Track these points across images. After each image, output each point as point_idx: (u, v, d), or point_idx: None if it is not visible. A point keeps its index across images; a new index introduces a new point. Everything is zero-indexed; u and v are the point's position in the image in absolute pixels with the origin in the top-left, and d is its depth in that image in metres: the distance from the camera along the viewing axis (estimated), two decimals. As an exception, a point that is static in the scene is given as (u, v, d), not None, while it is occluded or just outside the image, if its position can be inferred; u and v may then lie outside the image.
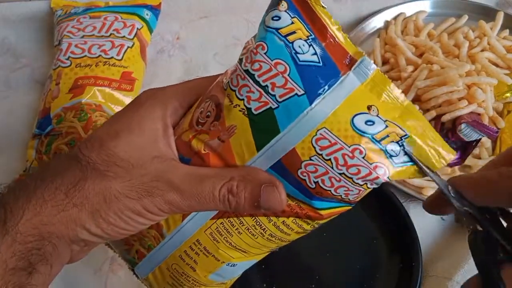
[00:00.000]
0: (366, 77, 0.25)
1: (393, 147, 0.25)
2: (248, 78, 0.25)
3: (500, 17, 0.64)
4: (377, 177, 0.25)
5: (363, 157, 0.25)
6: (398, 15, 0.68)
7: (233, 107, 0.26)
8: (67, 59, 0.59)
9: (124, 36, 0.61)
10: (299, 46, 0.25)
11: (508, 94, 0.57)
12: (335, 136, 0.25)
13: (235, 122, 0.26)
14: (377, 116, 0.25)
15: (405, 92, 0.57)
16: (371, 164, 0.25)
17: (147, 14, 0.66)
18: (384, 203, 0.52)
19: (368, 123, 0.25)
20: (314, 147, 0.25)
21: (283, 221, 0.29)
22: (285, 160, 0.26)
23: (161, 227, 0.31)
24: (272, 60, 0.25)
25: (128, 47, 0.60)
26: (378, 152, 0.25)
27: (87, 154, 0.27)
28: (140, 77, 0.60)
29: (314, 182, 0.26)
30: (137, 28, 0.63)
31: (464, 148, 0.55)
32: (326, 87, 0.25)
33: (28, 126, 0.58)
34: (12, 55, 0.66)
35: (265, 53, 0.25)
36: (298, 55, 0.24)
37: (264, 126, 0.26)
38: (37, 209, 0.26)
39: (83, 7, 0.66)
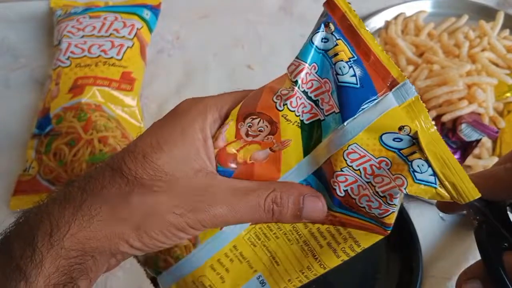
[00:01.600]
0: (404, 100, 0.26)
1: (419, 163, 0.26)
2: (305, 97, 0.28)
3: (500, 17, 0.64)
4: (395, 187, 0.27)
5: (388, 169, 0.26)
6: (398, 15, 0.68)
7: (291, 124, 0.28)
8: (67, 59, 0.59)
9: (124, 36, 0.61)
10: (340, 68, 0.27)
11: (508, 94, 0.57)
12: (364, 150, 0.27)
13: (290, 136, 0.28)
14: (407, 135, 0.26)
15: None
16: (393, 175, 0.26)
17: (147, 14, 0.65)
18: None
19: (396, 140, 0.26)
20: (345, 160, 0.27)
21: (318, 227, 0.30)
22: (324, 168, 0.28)
23: (197, 237, 0.31)
24: (322, 79, 0.27)
25: (128, 47, 0.60)
26: (402, 165, 0.26)
27: (132, 168, 0.27)
28: (140, 77, 0.60)
29: (344, 191, 0.28)
30: (137, 28, 0.63)
31: (464, 148, 0.55)
32: (360, 109, 0.26)
33: (27, 126, 0.58)
34: (11, 55, 0.66)
35: (316, 72, 0.27)
36: (338, 76, 0.27)
37: (312, 134, 0.28)
38: (83, 224, 0.26)
39: (83, 7, 0.66)
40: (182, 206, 0.27)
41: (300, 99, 0.28)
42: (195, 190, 0.27)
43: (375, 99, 0.26)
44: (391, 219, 0.28)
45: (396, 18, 0.67)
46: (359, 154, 0.27)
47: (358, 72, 0.27)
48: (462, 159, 0.55)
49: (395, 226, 0.53)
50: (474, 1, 0.69)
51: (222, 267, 0.32)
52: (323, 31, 0.27)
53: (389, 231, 0.29)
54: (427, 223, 0.53)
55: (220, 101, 0.30)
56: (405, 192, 0.26)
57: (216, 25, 0.70)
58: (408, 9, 0.68)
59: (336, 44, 0.27)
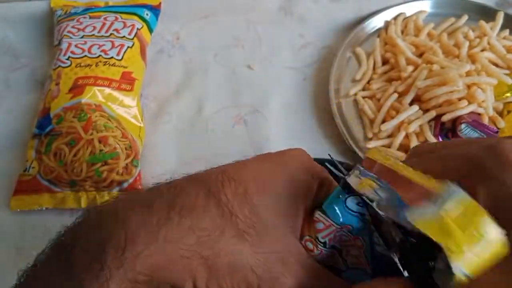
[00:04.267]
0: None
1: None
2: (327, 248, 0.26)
3: (500, 17, 0.64)
4: None
5: None
6: (398, 15, 0.68)
7: None
8: (67, 59, 0.59)
9: (124, 36, 0.61)
10: (376, 237, 0.25)
11: (508, 94, 0.57)
12: None
13: None
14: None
15: (405, 92, 0.57)
16: None
17: (147, 14, 0.65)
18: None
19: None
20: None
21: None
22: None
23: None
24: (353, 236, 0.26)
25: (128, 47, 0.60)
26: None
27: (230, 200, 0.24)
28: (140, 77, 0.60)
29: None
30: (137, 28, 0.63)
31: (464, 148, 0.55)
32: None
33: (28, 126, 0.58)
34: (12, 55, 0.66)
35: (347, 231, 0.26)
36: (375, 245, 0.25)
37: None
38: (161, 249, 0.22)
39: (83, 7, 0.66)
40: (262, 268, 0.23)
41: (325, 252, 0.26)
42: (282, 253, 0.24)
43: None
44: None
45: (396, 18, 0.67)
46: None
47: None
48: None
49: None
50: (474, 1, 0.69)
51: None
52: (356, 195, 0.25)
53: None
54: (427, 223, 0.53)
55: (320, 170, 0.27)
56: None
57: (216, 25, 0.70)
58: (408, 9, 0.68)
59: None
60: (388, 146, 0.55)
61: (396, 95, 0.58)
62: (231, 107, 0.62)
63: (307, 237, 0.26)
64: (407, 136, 0.55)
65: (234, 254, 0.23)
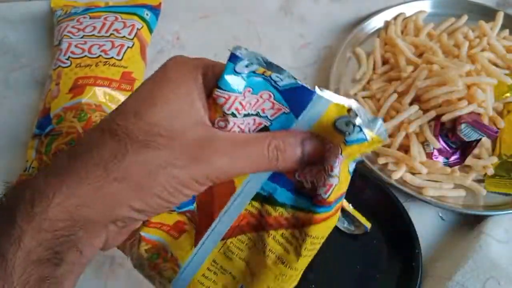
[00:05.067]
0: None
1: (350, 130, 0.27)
2: (244, 118, 0.28)
3: (500, 17, 0.64)
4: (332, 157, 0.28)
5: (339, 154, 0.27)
6: (398, 15, 0.68)
7: None
8: (67, 59, 0.59)
9: (124, 36, 0.61)
10: (277, 76, 0.27)
11: (508, 94, 0.57)
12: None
13: None
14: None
15: (405, 92, 0.57)
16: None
17: (147, 14, 0.66)
18: (384, 203, 0.52)
19: (348, 123, 0.27)
20: None
21: (282, 234, 0.30)
22: None
23: (176, 259, 0.32)
24: (257, 94, 0.28)
25: (128, 47, 0.60)
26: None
27: (124, 125, 0.25)
28: (140, 77, 0.60)
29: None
30: (137, 28, 0.63)
31: (464, 148, 0.55)
32: (308, 102, 0.27)
33: (28, 126, 0.59)
34: (12, 55, 0.66)
35: (250, 93, 0.28)
36: (277, 83, 0.27)
37: None
38: (70, 190, 0.23)
39: (83, 7, 0.66)
40: (183, 159, 0.25)
41: (240, 123, 0.28)
42: (196, 141, 0.26)
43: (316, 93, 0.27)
44: (332, 197, 0.28)
45: (395, 18, 0.67)
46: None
47: (291, 79, 0.27)
48: (461, 159, 0.55)
49: (396, 226, 0.53)
50: (474, 1, 0.69)
51: (209, 280, 0.32)
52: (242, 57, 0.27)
53: (330, 212, 0.29)
54: (427, 223, 0.53)
55: (204, 65, 0.29)
56: (341, 157, 0.27)
57: (216, 25, 0.70)
58: (408, 9, 0.68)
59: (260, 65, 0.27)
60: (388, 146, 0.55)
61: (396, 95, 0.58)
62: (231, 107, 0.62)
63: (217, 119, 0.28)
64: (407, 136, 0.55)
65: (148, 161, 0.24)
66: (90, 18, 0.63)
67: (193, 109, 0.27)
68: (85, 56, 0.59)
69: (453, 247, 0.51)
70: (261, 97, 0.28)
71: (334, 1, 0.71)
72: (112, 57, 0.59)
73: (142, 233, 0.33)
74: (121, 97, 0.57)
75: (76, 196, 0.23)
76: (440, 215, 0.54)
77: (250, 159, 0.27)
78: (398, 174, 0.54)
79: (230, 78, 0.27)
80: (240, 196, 0.30)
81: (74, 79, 0.57)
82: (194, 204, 0.32)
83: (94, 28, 0.62)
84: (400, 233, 0.51)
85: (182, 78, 0.27)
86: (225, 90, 0.27)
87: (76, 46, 0.60)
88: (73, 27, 0.62)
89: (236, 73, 0.27)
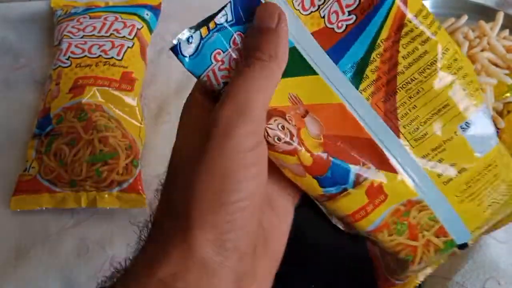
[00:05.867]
0: None
1: None
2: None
3: (500, 17, 0.64)
4: None
5: None
6: (398, 15, 0.68)
7: None
8: (67, 59, 0.59)
9: (124, 36, 0.61)
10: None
11: (508, 94, 0.57)
12: None
13: None
14: None
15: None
16: None
17: (147, 14, 0.66)
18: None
19: None
20: None
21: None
22: None
23: None
24: (228, 46, 0.27)
25: (128, 47, 0.60)
26: None
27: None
28: (140, 77, 0.60)
29: None
30: (137, 28, 0.63)
31: (464, 148, 0.55)
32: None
33: (28, 126, 0.59)
34: (11, 55, 0.66)
35: (222, 53, 0.27)
36: (228, 22, 0.26)
37: None
38: None
39: (83, 7, 0.66)
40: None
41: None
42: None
43: None
44: None
45: (396, 18, 0.67)
46: None
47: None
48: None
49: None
50: (474, 1, 0.69)
51: None
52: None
53: None
54: (427, 223, 0.53)
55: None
56: None
57: (216, 25, 0.70)
58: (408, 9, 0.68)
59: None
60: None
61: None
62: (231, 107, 0.62)
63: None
64: (407, 136, 0.55)
65: None
66: (90, 18, 0.63)
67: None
68: (85, 56, 0.59)
69: (453, 247, 0.51)
70: (233, 44, 0.27)
71: (334, 1, 0.71)
72: (112, 57, 0.59)
73: None
74: (121, 97, 0.57)
75: None
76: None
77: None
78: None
79: (191, 64, 0.27)
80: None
81: (74, 79, 0.57)
82: None
83: (94, 28, 0.62)
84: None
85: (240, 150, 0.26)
86: (201, 74, 0.27)
87: (76, 46, 0.60)
88: (73, 27, 0.62)
89: (190, 56, 0.27)
